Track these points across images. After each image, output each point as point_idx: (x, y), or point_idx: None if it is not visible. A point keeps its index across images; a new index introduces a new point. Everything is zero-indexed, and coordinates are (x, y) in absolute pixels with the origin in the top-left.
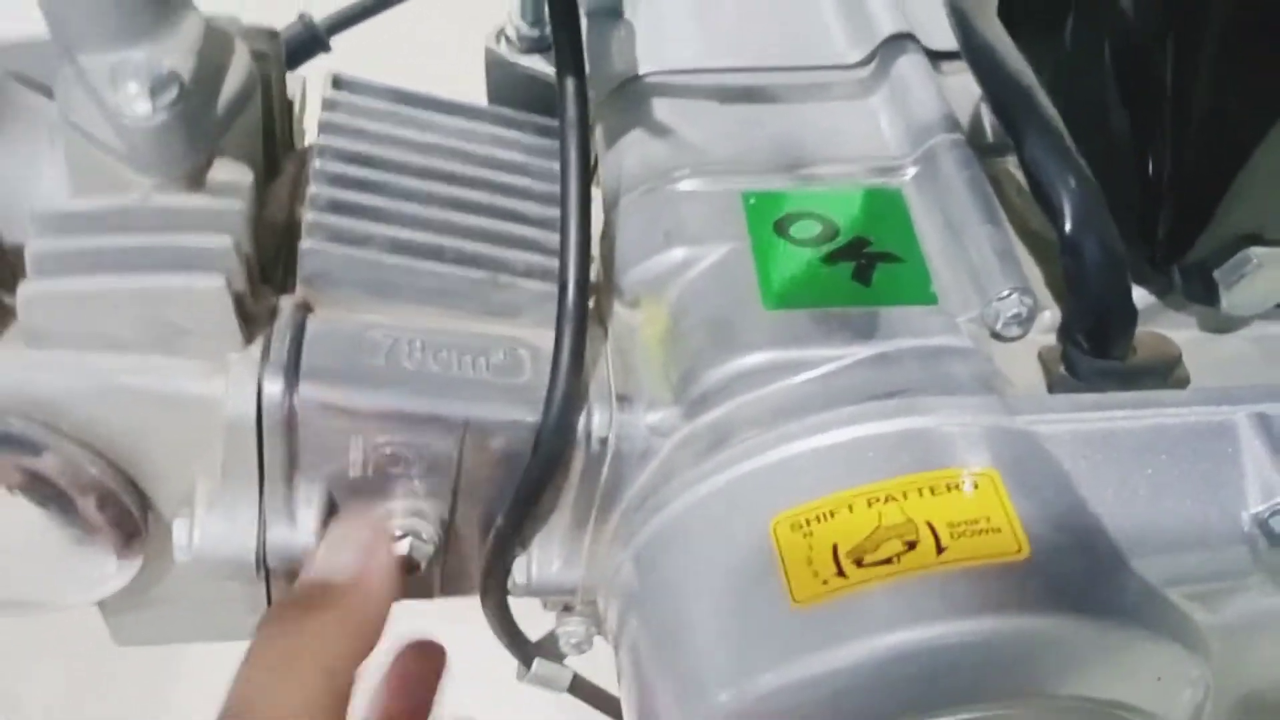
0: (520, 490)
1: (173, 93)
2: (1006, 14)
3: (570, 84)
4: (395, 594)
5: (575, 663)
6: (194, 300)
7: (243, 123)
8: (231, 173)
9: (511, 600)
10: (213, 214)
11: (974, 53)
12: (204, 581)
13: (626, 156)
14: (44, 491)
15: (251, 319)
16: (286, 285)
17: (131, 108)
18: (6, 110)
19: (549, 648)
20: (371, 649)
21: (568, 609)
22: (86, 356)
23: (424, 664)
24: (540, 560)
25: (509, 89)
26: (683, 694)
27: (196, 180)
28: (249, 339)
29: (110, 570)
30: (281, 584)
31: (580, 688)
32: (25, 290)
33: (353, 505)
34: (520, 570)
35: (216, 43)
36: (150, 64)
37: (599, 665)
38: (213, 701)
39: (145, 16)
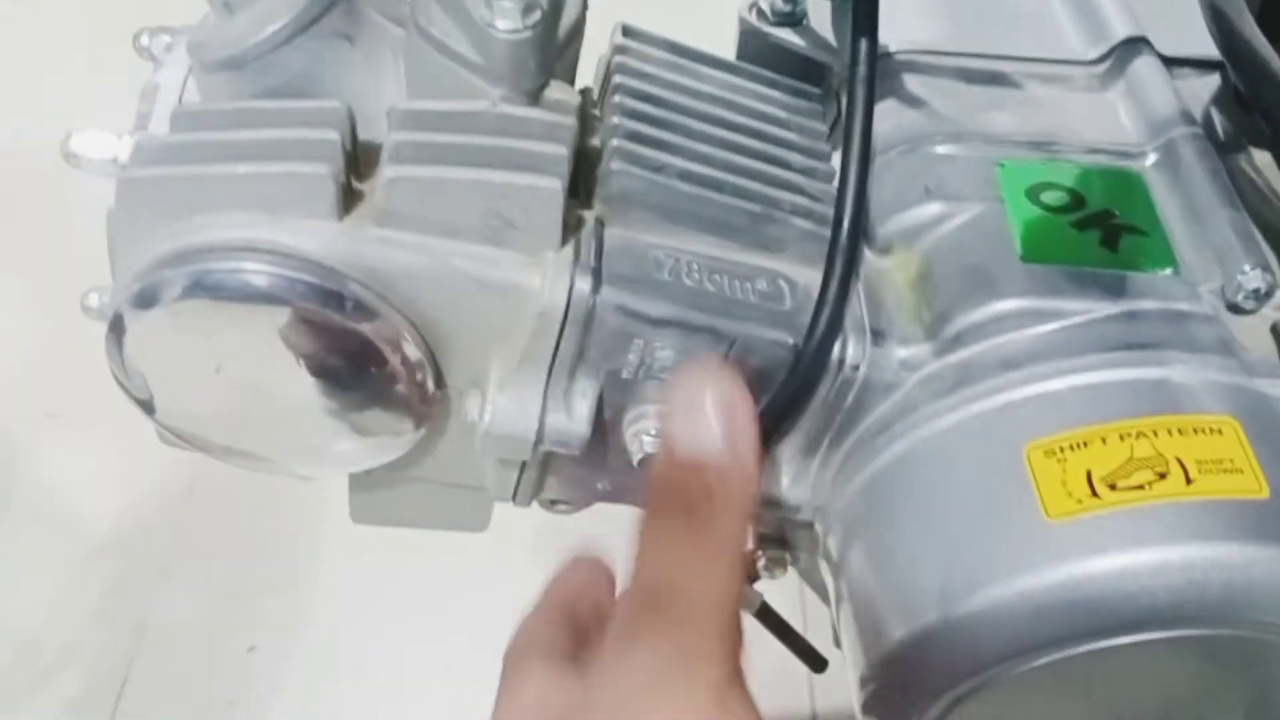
0: (773, 404)
1: (537, 14)
2: (1263, 23)
3: (864, 44)
4: (759, 447)
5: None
6: (532, 198)
7: (571, 51)
8: (563, 93)
9: None
10: (551, 126)
11: (1234, 51)
12: (458, 464)
13: (881, 122)
14: (336, 361)
15: (566, 225)
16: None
17: (504, 22)
18: (363, 27)
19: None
20: (753, 513)
21: (766, 537)
22: (427, 239)
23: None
24: (770, 476)
25: (758, 57)
26: (915, 606)
27: (535, 96)
28: (564, 242)
29: (377, 445)
30: (532, 474)
31: (766, 614)
32: (389, 172)
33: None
34: None
35: None
36: None
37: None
38: (344, 632)
39: None
